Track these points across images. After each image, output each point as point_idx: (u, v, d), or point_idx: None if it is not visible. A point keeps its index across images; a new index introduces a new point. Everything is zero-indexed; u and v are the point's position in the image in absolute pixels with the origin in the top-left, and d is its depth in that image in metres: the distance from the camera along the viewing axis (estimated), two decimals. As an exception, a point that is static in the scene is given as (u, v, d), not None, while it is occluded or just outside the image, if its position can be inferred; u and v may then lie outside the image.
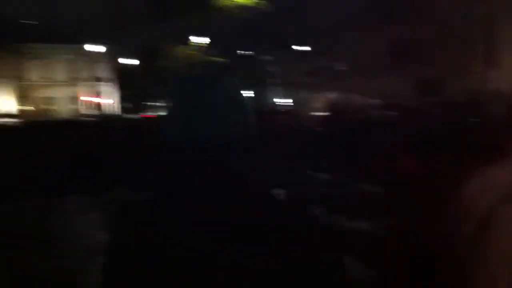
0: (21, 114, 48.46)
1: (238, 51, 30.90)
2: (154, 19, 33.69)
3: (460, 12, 19.73)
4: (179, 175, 1.46)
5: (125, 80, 58.72)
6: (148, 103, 64.76)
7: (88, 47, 48.64)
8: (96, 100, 53.60)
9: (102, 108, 53.00)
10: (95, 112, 48.41)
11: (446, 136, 3.87)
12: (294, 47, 27.64)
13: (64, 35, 48.22)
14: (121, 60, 53.40)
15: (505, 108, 4.56)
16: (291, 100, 28.86)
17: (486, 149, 2.62)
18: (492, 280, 1.10)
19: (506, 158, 1.25)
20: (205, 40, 34.24)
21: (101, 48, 50.63)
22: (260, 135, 1.61)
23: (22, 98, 52.31)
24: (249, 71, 31.31)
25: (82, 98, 53.43)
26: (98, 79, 55.77)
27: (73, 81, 55.13)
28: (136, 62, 52.71)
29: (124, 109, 60.38)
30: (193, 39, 35.21)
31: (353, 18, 20.84)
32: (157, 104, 65.41)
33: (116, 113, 53.13)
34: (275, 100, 39.78)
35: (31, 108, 51.84)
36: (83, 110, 51.24)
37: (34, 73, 53.29)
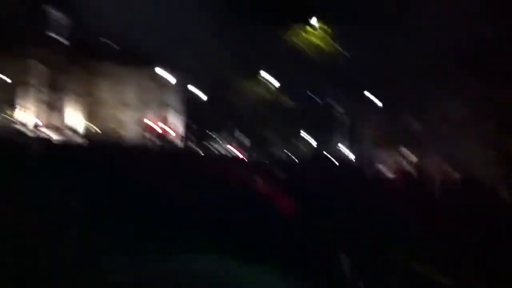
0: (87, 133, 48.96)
1: (309, 94, 29.26)
2: (229, 52, 32.81)
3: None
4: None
5: (194, 110, 58.48)
6: (214, 136, 64.45)
7: (161, 72, 48.61)
8: (164, 127, 53.31)
9: (168, 136, 52.60)
10: (168, 139, 48.08)
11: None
12: (369, 97, 25.69)
13: (139, 58, 48.43)
14: (192, 90, 53.04)
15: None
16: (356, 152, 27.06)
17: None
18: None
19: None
20: (277, 79, 32.98)
21: (175, 75, 50.46)
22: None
23: (91, 116, 52.86)
24: (317, 116, 29.63)
25: (149, 123, 53.27)
26: (168, 106, 55.68)
27: (143, 105, 55.24)
28: (206, 93, 52.14)
29: (190, 140, 60.18)
30: (265, 76, 34.07)
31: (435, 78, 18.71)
32: (222, 137, 65.02)
33: (184, 143, 52.66)
34: (340, 149, 37.56)
35: (100, 127, 52.32)
36: (149, 135, 51.04)
37: (103, 92, 53.78)
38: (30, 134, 32.58)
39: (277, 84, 32.19)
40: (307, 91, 28.89)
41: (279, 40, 24.41)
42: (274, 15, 24.32)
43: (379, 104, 25.96)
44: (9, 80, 45.03)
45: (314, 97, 29.21)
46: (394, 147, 26.31)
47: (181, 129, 55.90)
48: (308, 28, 23.39)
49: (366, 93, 24.89)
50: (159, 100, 55.35)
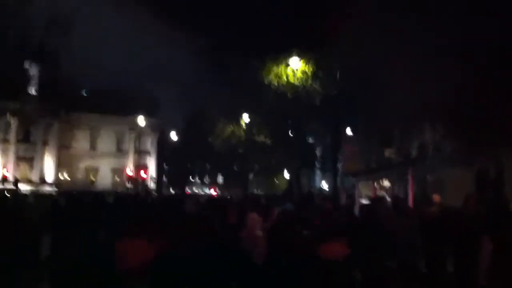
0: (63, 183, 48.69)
1: (287, 133, 29.83)
2: (205, 96, 33.45)
3: None
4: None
5: (171, 155, 58.84)
6: (193, 180, 64.63)
7: (136, 119, 48.98)
8: (141, 173, 53.35)
9: (146, 182, 52.63)
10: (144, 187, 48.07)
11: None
12: (347, 132, 26.51)
13: (112, 106, 48.89)
14: (167, 134, 53.52)
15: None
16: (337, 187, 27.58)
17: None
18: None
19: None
20: (252, 119, 33.49)
21: (149, 122, 50.85)
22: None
23: (68, 167, 52.80)
24: (296, 154, 30.14)
25: (127, 170, 53.33)
26: (144, 152, 55.99)
27: (119, 152, 55.45)
28: (182, 137, 52.60)
29: (168, 184, 60.29)
30: (242, 116, 34.56)
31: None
32: (201, 180, 65.23)
33: (160, 188, 52.65)
34: (322, 185, 38.31)
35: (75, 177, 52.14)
36: (127, 183, 51.01)
37: (81, 142, 53.94)
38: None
39: (255, 123, 32.79)
40: (285, 129, 29.50)
41: (257, 79, 25.06)
42: (251, 55, 25.06)
43: (356, 136, 26.92)
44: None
45: (293, 133, 29.83)
46: (373, 178, 27.10)
47: (159, 174, 56.14)
48: (285, 67, 24.10)
49: (346, 128, 25.71)
50: (137, 147, 55.72)
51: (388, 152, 24.76)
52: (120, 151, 55.75)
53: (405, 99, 17.44)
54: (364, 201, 20.31)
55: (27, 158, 50.07)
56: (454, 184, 15.72)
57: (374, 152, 24.53)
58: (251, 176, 50.83)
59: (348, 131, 26.23)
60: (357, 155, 27.26)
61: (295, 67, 22.93)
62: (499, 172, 14.94)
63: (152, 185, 52.33)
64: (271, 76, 23.67)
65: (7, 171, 47.73)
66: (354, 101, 21.59)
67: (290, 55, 22.97)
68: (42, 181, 49.32)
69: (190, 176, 63.32)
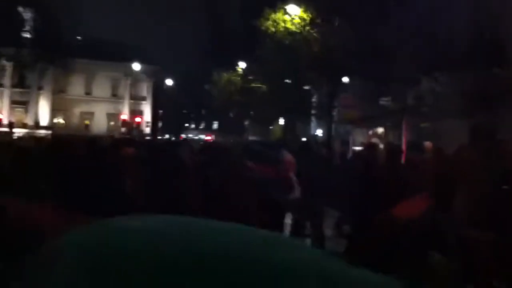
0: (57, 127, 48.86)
1: (281, 80, 29.82)
2: (201, 43, 33.17)
3: None
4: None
5: (167, 101, 58.84)
6: (187, 125, 64.90)
7: (131, 66, 48.67)
8: (136, 119, 53.47)
9: (141, 127, 52.81)
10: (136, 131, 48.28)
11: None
12: (343, 79, 26.49)
13: (109, 53, 48.43)
14: (163, 81, 53.41)
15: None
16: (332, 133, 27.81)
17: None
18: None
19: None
20: (249, 67, 33.44)
21: (144, 68, 50.57)
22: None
23: (64, 112, 52.89)
24: (292, 100, 30.27)
25: (121, 116, 53.40)
26: (139, 98, 55.96)
27: (114, 98, 55.41)
28: (177, 84, 52.51)
29: (163, 129, 60.55)
30: (238, 65, 34.46)
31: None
32: (197, 126, 65.51)
33: (155, 133, 52.92)
34: (317, 132, 38.53)
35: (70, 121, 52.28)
36: (122, 127, 51.13)
37: (77, 88, 53.82)
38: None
39: (251, 71, 32.72)
40: (281, 77, 29.46)
41: (254, 27, 24.91)
42: (249, 3, 24.87)
43: (355, 86, 26.91)
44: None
45: (289, 81, 29.80)
46: (370, 127, 27.34)
47: (154, 120, 56.31)
48: (282, 15, 23.96)
49: (343, 76, 25.67)
50: (132, 93, 55.62)
51: (383, 101, 24.92)
52: (115, 97, 55.64)
53: (403, 48, 17.54)
54: (358, 148, 20.69)
55: (22, 102, 50.17)
56: (449, 134, 15.91)
57: (369, 100, 24.66)
58: (246, 123, 51.12)
59: (344, 79, 26.23)
60: (353, 103, 27.39)
61: (293, 13, 22.83)
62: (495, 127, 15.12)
63: (147, 130, 52.56)
64: (268, 23, 23.58)
65: (2, 115, 47.84)
66: (351, 49, 21.59)
67: (287, 1, 22.84)
68: (37, 125, 49.44)
69: (185, 123, 63.57)
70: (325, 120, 30.01)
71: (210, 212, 4.53)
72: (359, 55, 20.30)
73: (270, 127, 45.83)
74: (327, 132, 29.18)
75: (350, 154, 18.68)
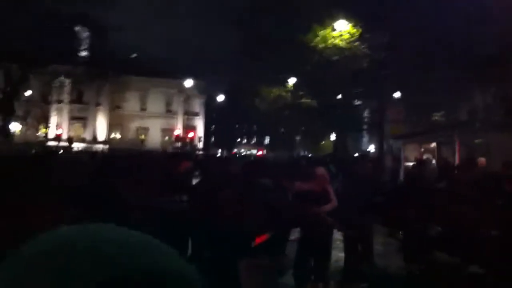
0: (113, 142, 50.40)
1: (331, 95, 29.74)
2: (250, 59, 33.57)
3: None
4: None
5: (218, 117, 59.71)
6: (237, 140, 65.47)
7: (185, 82, 49.74)
8: (189, 134, 54.48)
9: (194, 142, 53.73)
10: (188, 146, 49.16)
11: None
12: (394, 94, 26.18)
13: (163, 69, 49.75)
14: (215, 97, 54.26)
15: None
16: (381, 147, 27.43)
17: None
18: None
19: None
20: (298, 82, 33.53)
21: (197, 84, 51.57)
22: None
23: (118, 126, 54.59)
24: (342, 116, 30.13)
25: (175, 131, 54.56)
26: (192, 114, 57.11)
27: (168, 114, 56.78)
28: (229, 99, 53.21)
29: (215, 144, 61.39)
30: (287, 80, 34.65)
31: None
32: (248, 142, 65.97)
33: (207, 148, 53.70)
34: (368, 148, 38.16)
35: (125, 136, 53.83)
36: (175, 142, 52.16)
37: (132, 104, 55.51)
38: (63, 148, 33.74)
39: (301, 86, 32.81)
40: (331, 92, 29.39)
41: (303, 44, 25.02)
42: (297, 20, 24.98)
43: (402, 102, 26.55)
44: (41, 99, 46.86)
45: (338, 97, 29.71)
46: (419, 141, 26.85)
47: (206, 135, 57.25)
48: (330, 31, 23.98)
49: (391, 91, 25.37)
50: (185, 109, 56.88)
51: (435, 115, 24.48)
52: (169, 112, 57.05)
53: (454, 63, 17.25)
54: (410, 164, 20.35)
55: (81, 118, 52.29)
56: (500, 149, 15.51)
57: (421, 115, 24.26)
58: (297, 138, 51.15)
59: (395, 93, 25.93)
60: (402, 118, 27.01)
61: (342, 29, 22.84)
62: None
63: (199, 145, 53.44)
64: (317, 39, 23.66)
65: (62, 130, 49.87)
66: (401, 64, 21.37)
67: (336, 18, 22.87)
68: (95, 140, 51.23)
69: (237, 138, 64.20)
70: (376, 135, 29.68)
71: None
72: (409, 69, 20.08)
73: (321, 143, 45.73)
74: (379, 148, 28.84)
75: (401, 170, 18.46)
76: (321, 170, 6.92)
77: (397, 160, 23.84)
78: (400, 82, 22.80)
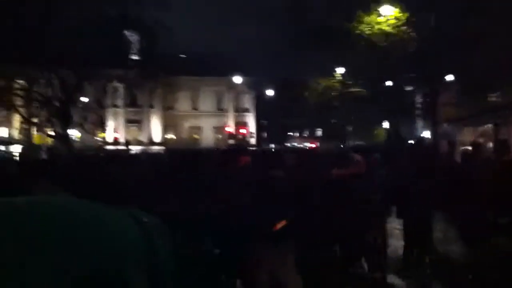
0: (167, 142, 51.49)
1: (380, 82, 29.31)
2: (298, 52, 33.49)
3: None
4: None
5: (267, 111, 59.85)
6: (289, 134, 65.42)
7: (234, 79, 50.11)
8: (240, 130, 54.96)
9: (247, 138, 54.15)
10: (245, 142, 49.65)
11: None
12: (447, 77, 25.47)
13: (211, 67, 50.31)
14: (264, 92, 54.36)
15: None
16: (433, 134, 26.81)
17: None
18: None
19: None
20: (346, 71, 33.22)
21: (246, 81, 51.86)
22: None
23: (172, 127, 55.75)
24: (391, 103, 29.69)
25: (227, 128, 55.16)
26: (243, 110, 57.58)
27: (219, 111, 57.46)
28: (278, 94, 53.22)
29: (266, 139, 61.60)
30: (336, 70, 34.37)
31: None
32: (300, 134, 65.85)
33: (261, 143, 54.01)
34: (423, 133, 37.28)
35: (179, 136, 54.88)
36: (228, 139, 52.72)
37: (184, 103, 56.51)
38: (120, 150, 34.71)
39: (349, 75, 32.48)
40: (381, 79, 28.94)
41: (350, 32, 24.76)
42: (342, 8, 24.75)
43: (455, 85, 25.76)
44: (95, 103, 48.32)
45: (388, 84, 29.22)
46: (474, 124, 26.09)
47: (258, 130, 57.58)
48: (376, 17, 23.62)
49: (443, 74, 24.69)
50: (236, 105, 57.45)
51: (491, 96, 23.67)
52: (220, 110, 57.72)
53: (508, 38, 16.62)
54: (466, 148, 19.76)
55: (136, 121, 53.77)
56: None
57: (475, 97, 23.51)
58: (349, 128, 50.61)
59: (447, 76, 25.23)
60: (458, 101, 26.25)
61: (387, 14, 22.48)
62: None
63: (252, 140, 53.79)
64: (362, 26, 23.38)
65: (118, 134, 51.48)
66: (453, 44, 20.80)
67: (380, 3, 22.52)
68: (151, 141, 52.51)
69: (289, 131, 64.22)
70: (430, 120, 29.06)
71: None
72: (460, 50, 19.53)
73: (374, 131, 45.08)
74: (433, 133, 28.23)
75: (457, 155, 17.94)
76: (356, 157, 7.04)
77: (452, 144, 23.27)
78: (452, 64, 22.21)
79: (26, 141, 39.17)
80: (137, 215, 0.76)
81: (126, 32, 37.81)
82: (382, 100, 30.00)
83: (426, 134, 37.15)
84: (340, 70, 33.75)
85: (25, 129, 40.47)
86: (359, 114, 38.97)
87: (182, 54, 50.15)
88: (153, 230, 0.76)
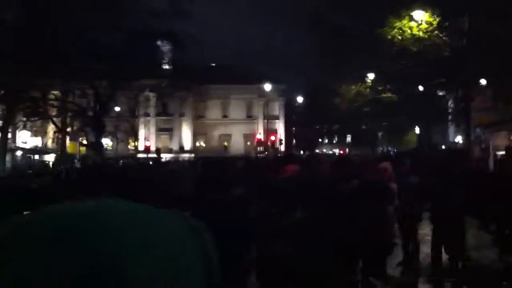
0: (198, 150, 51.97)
1: (412, 88, 29.00)
2: (327, 58, 33.37)
3: None
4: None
5: (299, 118, 59.95)
6: (320, 140, 65.31)
7: (263, 86, 50.33)
8: (270, 137, 55.01)
9: (276, 145, 54.18)
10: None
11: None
12: (479, 82, 25.06)
13: (241, 75, 50.69)
14: (294, 99, 54.46)
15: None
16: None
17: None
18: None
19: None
20: (377, 77, 32.92)
21: (275, 88, 52.01)
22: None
23: (202, 135, 56.32)
24: (423, 108, 29.37)
25: (257, 135, 55.33)
26: (272, 117, 57.66)
27: (249, 119, 57.74)
28: (308, 100, 53.21)
29: (297, 146, 61.58)
30: (366, 76, 34.12)
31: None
32: (330, 141, 65.70)
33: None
34: (455, 139, 36.79)
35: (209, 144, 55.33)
36: (258, 147, 52.85)
37: (214, 112, 57.02)
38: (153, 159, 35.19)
39: (380, 81, 32.23)
40: (413, 84, 28.64)
41: (381, 38, 24.59)
42: (372, 14, 24.62)
43: (487, 89, 25.29)
44: (127, 112, 49.21)
45: (420, 89, 28.90)
46: (505, 131, 25.60)
47: (288, 137, 57.61)
48: (407, 22, 23.43)
49: (478, 78, 24.24)
50: (266, 112, 57.62)
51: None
52: (250, 118, 58.00)
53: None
54: (499, 153, 19.46)
55: (167, 129, 54.54)
56: None
57: (509, 102, 23.06)
58: (380, 134, 50.24)
59: (480, 81, 24.79)
60: (491, 106, 25.78)
61: (419, 19, 22.27)
62: None
63: (281, 148, 53.80)
64: (394, 31, 23.21)
65: (150, 142, 52.25)
66: (486, 49, 20.49)
67: (412, 8, 22.33)
68: (181, 149, 53.11)
69: (318, 138, 64.07)
70: (463, 125, 28.61)
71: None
72: (493, 54, 19.18)
73: (405, 137, 44.62)
74: (466, 138, 27.78)
75: (490, 160, 17.71)
76: (383, 165, 7.10)
77: (486, 150, 22.89)
78: (485, 69, 21.84)
79: (60, 150, 40.04)
80: (190, 220, 0.62)
81: (158, 43, 38.49)
82: (414, 105, 29.67)
83: (459, 139, 36.64)
84: (371, 76, 33.51)
85: (59, 138, 41.38)
86: (390, 120, 38.61)
87: (212, 63, 50.72)
88: (208, 238, 0.62)
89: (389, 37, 24.12)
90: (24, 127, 40.56)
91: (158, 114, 53.37)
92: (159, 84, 42.53)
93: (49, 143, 46.59)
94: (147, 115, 52.55)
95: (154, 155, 41.19)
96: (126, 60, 30.01)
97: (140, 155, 44.31)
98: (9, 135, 35.22)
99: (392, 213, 6.80)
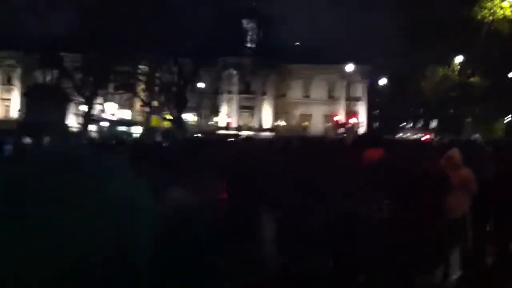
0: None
1: (503, 73, 27.60)
2: (413, 40, 32.36)
3: None
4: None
5: (380, 101, 58.59)
6: (404, 124, 63.49)
7: (346, 67, 49.66)
8: (350, 119, 54.38)
9: (356, 127, 53.47)
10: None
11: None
12: None
13: (324, 56, 50.19)
14: (377, 81, 53.21)
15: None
16: None
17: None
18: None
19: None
20: (465, 60, 31.61)
21: (358, 69, 51.15)
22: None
23: (283, 114, 56.57)
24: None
25: (337, 116, 54.85)
26: (354, 99, 56.86)
27: (330, 100, 57.25)
28: (391, 83, 51.83)
29: (379, 130, 60.35)
30: (453, 59, 32.84)
31: None
32: (413, 126, 63.68)
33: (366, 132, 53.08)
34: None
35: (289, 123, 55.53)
36: (337, 128, 52.46)
37: (296, 91, 57.01)
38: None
39: (469, 64, 30.89)
40: (504, 69, 27.21)
41: (470, 19, 23.52)
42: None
43: None
44: (212, 90, 50.41)
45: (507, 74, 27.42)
46: None
47: (369, 120, 56.60)
48: (499, 2, 22.23)
49: None
50: (348, 94, 56.93)
51: None
52: (331, 99, 57.51)
53: None
54: None
55: (248, 107, 55.34)
56: None
57: None
58: (467, 121, 48.08)
59: None
60: None
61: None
62: None
63: (360, 130, 53.01)
64: (484, 12, 22.17)
65: (231, 119, 53.39)
66: None
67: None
68: (261, 127, 53.76)
69: (402, 122, 62.38)
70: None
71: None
72: None
73: (494, 126, 42.41)
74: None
75: None
76: (451, 153, 6.69)
77: None
78: None
79: (145, 123, 41.81)
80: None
81: (243, 21, 38.90)
82: (505, 92, 28.31)
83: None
84: (459, 59, 32.18)
85: (144, 112, 43.17)
86: (479, 107, 36.90)
87: (296, 42, 50.61)
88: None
89: (479, 17, 23.07)
90: (112, 100, 42.59)
91: (240, 92, 54.25)
92: (243, 62, 43.20)
93: (136, 116, 48.74)
94: (229, 92, 53.51)
95: (234, 132, 42.06)
96: (209, 36, 30.65)
97: (220, 132, 45.36)
98: (98, 107, 37.09)
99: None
